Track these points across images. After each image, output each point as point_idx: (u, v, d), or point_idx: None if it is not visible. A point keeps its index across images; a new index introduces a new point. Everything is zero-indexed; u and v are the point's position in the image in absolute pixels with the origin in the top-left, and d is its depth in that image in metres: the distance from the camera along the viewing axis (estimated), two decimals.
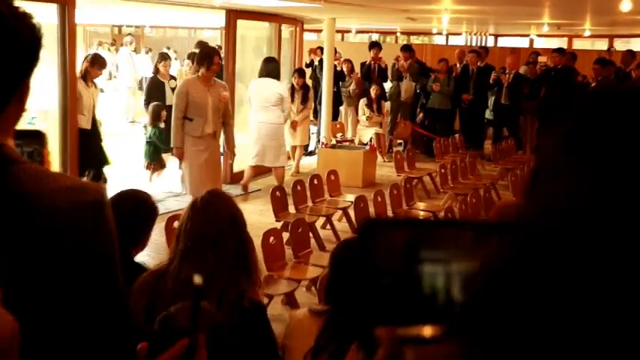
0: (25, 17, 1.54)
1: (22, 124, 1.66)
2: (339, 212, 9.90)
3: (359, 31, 27.74)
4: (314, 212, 9.34)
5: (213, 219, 3.39)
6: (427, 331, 0.83)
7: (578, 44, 25.17)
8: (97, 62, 10.07)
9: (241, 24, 13.16)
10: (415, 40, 28.87)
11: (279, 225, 8.50)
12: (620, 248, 0.58)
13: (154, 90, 12.17)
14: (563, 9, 14.19)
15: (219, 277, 3.25)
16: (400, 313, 0.84)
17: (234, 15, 12.86)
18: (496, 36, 26.88)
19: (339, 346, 3.07)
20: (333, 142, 14.30)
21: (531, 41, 25.19)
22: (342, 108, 17.20)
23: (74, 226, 1.58)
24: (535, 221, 0.65)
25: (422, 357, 0.83)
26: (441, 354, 0.81)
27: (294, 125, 13.17)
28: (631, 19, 14.35)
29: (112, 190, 4.12)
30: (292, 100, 13.01)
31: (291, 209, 9.24)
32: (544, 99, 15.44)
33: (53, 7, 9.04)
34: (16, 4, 1.55)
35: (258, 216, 9.91)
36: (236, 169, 12.34)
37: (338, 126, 16.57)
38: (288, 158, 12.94)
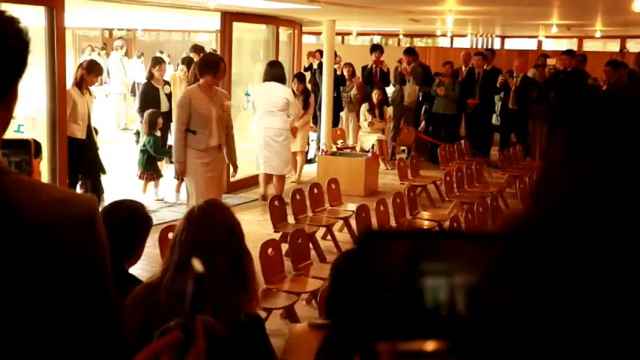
0: (12, 21, 1.54)
1: (9, 133, 1.66)
2: (340, 222, 9.89)
3: (360, 34, 27.76)
4: (314, 222, 9.34)
5: (209, 229, 3.39)
6: (429, 345, 0.83)
7: (589, 45, 25.20)
8: (93, 69, 10.05)
9: (237, 27, 13.17)
10: (418, 42, 28.90)
11: (277, 236, 8.49)
12: (620, 248, 0.59)
13: (148, 96, 12.14)
14: (573, 9, 14.20)
15: (214, 290, 3.25)
16: (401, 327, 0.85)
17: (229, 17, 12.87)
18: (503, 38, 26.89)
19: None
20: (334, 149, 14.31)
21: (540, 43, 25.20)
22: (342, 114, 17.20)
23: (65, 240, 1.58)
24: (538, 222, 0.66)
25: None
26: None
27: (293, 131, 13.17)
28: None
29: (108, 200, 4.14)
30: None
31: (291, 219, 9.24)
32: (553, 103, 15.43)
33: (41, 10, 9.03)
34: (3, 7, 1.55)
35: (256, 226, 9.92)
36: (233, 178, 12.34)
37: (338, 132, 16.57)
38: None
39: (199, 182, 8.72)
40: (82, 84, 9.86)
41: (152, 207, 10.21)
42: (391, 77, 17.24)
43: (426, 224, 9.60)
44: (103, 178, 10.19)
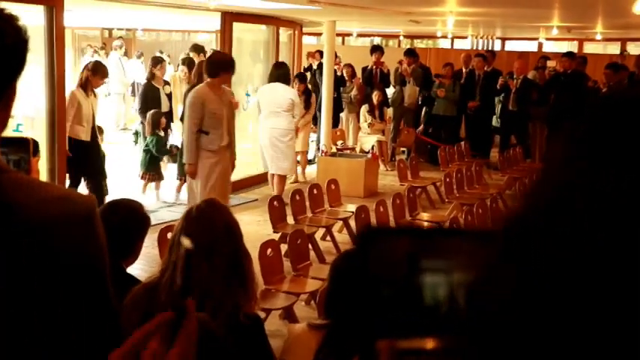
0: (11, 19, 1.54)
1: (8, 132, 1.66)
2: (340, 223, 9.90)
3: (360, 35, 27.75)
4: (313, 223, 9.34)
5: (207, 229, 3.39)
6: (429, 343, 0.83)
7: (589, 48, 25.20)
8: (98, 71, 9.98)
9: (237, 27, 13.18)
10: (419, 43, 28.90)
11: (277, 236, 8.49)
12: (620, 249, 0.59)
13: (149, 97, 12.10)
14: (574, 11, 14.20)
15: (213, 290, 3.25)
16: (401, 324, 0.85)
17: (229, 18, 12.87)
18: (503, 39, 26.89)
19: None
20: (334, 150, 14.31)
21: (540, 45, 25.22)
22: (342, 114, 17.20)
23: (63, 240, 1.58)
24: (535, 221, 0.66)
25: None
26: None
27: (295, 131, 13.20)
28: None
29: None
30: None
31: (290, 220, 9.24)
32: (553, 105, 15.43)
33: (40, 9, 9.03)
34: (2, 5, 1.55)
35: (255, 227, 9.92)
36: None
37: (338, 133, 16.57)
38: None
39: (208, 183, 8.68)
40: (87, 85, 9.80)
41: (151, 207, 10.20)
42: (391, 78, 17.25)
43: (425, 225, 9.60)
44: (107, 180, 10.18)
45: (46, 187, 1.68)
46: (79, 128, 9.60)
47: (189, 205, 8.71)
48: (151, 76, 12.34)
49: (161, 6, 12.49)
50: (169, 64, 19.72)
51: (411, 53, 17.00)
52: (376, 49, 17.54)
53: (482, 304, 0.68)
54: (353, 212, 9.27)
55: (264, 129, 11.68)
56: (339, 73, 16.67)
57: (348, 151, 14.87)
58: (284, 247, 7.63)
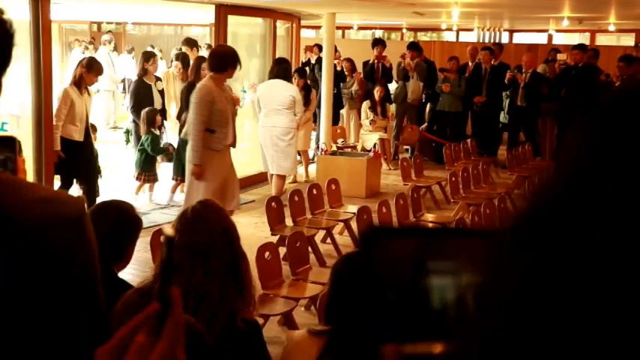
0: None
1: None
2: (341, 225, 9.90)
3: (361, 28, 27.79)
4: (313, 225, 9.34)
5: (203, 231, 3.40)
6: (436, 348, 0.83)
7: (602, 40, 25.22)
8: (93, 67, 9.91)
9: (232, 20, 13.19)
10: (423, 36, 28.94)
11: (275, 239, 8.50)
12: (620, 249, 0.59)
13: (141, 94, 12.04)
14: (585, 1, 14.23)
15: (210, 293, 3.25)
16: (407, 328, 0.85)
17: (224, 10, 12.88)
18: (511, 32, 26.93)
19: None
20: (334, 148, 14.31)
21: (550, 37, 25.25)
22: (342, 111, 17.20)
23: (51, 244, 1.58)
24: (537, 221, 0.67)
25: None
26: None
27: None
28: None
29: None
30: None
31: (289, 222, 9.24)
32: (564, 100, 15.44)
33: (25, 2, 9.03)
34: None
35: (252, 229, 9.93)
36: None
37: (339, 131, 16.57)
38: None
39: (213, 185, 8.62)
40: (80, 83, 9.76)
41: (143, 209, 10.21)
42: (394, 73, 17.25)
43: (430, 226, 9.59)
44: (99, 181, 10.16)
45: (33, 189, 1.68)
46: (72, 128, 9.56)
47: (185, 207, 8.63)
48: (143, 72, 12.25)
49: None
50: (161, 59, 19.72)
51: (414, 47, 17.01)
52: (378, 43, 17.54)
53: (490, 306, 0.69)
54: (354, 213, 9.29)
55: (265, 127, 11.70)
56: (338, 68, 16.66)
57: (349, 150, 14.87)
58: (282, 250, 7.64)
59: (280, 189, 11.66)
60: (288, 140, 11.66)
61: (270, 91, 11.65)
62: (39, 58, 9.22)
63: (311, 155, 15.04)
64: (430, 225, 9.68)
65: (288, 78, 11.75)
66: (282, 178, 11.88)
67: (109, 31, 25.07)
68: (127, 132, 13.57)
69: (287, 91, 11.55)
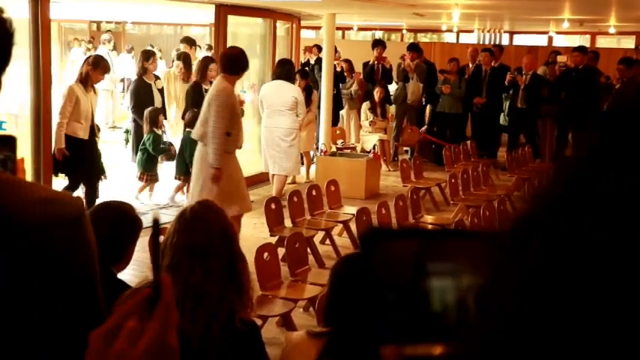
0: None
1: None
2: (340, 226, 9.90)
3: (361, 29, 27.80)
4: (312, 226, 9.34)
5: (201, 231, 3.40)
6: (436, 349, 0.83)
7: (602, 42, 25.23)
8: (99, 65, 9.88)
9: (232, 20, 13.18)
10: (423, 38, 28.95)
11: (274, 240, 8.50)
12: (620, 250, 0.60)
13: (141, 93, 12.00)
14: (586, 3, 14.22)
15: (208, 295, 3.25)
16: (406, 330, 0.85)
17: (224, 10, 12.88)
18: (511, 33, 26.94)
19: None
20: (333, 149, 14.30)
21: (550, 39, 25.24)
22: (342, 112, 17.20)
23: (51, 244, 1.57)
24: (537, 224, 0.67)
25: None
26: None
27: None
28: None
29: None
30: None
31: (288, 223, 9.24)
32: (564, 102, 15.45)
33: (25, 0, 9.02)
34: None
35: (251, 230, 9.92)
36: None
37: (338, 132, 16.56)
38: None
39: (228, 186, 8.54)
40: (86, 81, 9.73)
41: (143, 209, 10.19)
42: (394, 74, 17.25)
43: (429, 228, 9.59)
44: (100, 182, 10.12)
45: (33, 189, 1.68)
46: (77, 125, 9.53)
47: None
48: (143, 71, 12.21)
49: None
50: (160, 59, 19.72)
51: (414, 48, 17.00)
52: (378, 44, 17.53)
53: (490, 308, 0.69)
54: (353, 215, 9.27)
55: (267, 128, 11.78)
56: (338, 69, 16.65)
57: (349, 151, 14.86)
58: (281, 251, 7.64)
59: (280, 189, 11.68)
60: (290, 141, 11.69)
61: (273, 92, 11.70)
62: (38, 57, 9.20)
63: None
64: (429, 227, 9.68)
65: (290, 79, 11.78)
66: (283, 178, 11.90)
67: (108, 31, 25.04)
68: (127, 132, 13.53)
69: (289, 92, 11.58)
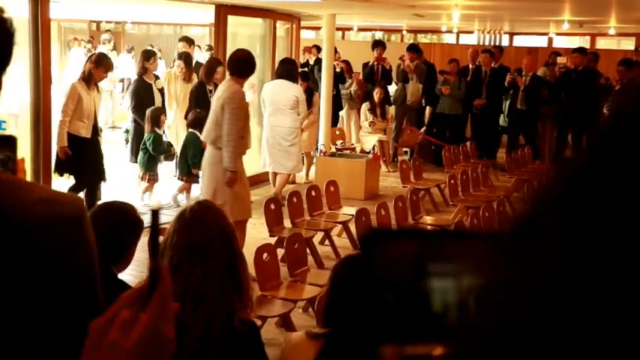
0: None
1: None
2: (339, 227, 9.90)
3: (361, 29, 27.79)
4: (311, 226, 9.34)
5: (201, 231, 3.40)
6: (436, 350, 0.84)
7: (602, 43, 25.22)
8: (101, 63, 9.82)
9: (232, 20, 13.18)
10: (423, 38, 28.94)
11: (273, 240, 8.50)
12: (620, 250, 0.60)
13: (141, 94, 11.96)
14: (586, 4, 14.21)
15: (207, 296, 3.25)
16: (406, 330, 0.86)
17: (224, 10, 12.87)
18: (511, 34, 26.93)
19: None
20: (333, 149, 14.30)
21: (550, 40, 25.24)
22: (341, 113, 17.20)
23: (51, 244, 1.57)
24: (537, 224, 0.68)
25: None
26: None
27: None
28: None
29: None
30: None
31: (287, 223, 9.23)
32: (564, 104, 15.45)
33: (25, 0, 9.01)
34: None
35: (250, 230, 9.88)
36: None
37: (338, 132, 16.56)
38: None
39: (241, 189, 8.53)
40: (89, 79, 9.67)
41: (143, 209, 10.17)
42: (393, 75, 17.24)
43: (429, 229, 9.58)
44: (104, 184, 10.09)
45: (33, 189, 1.67)
46: (80, 124, 9.47)
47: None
48: (143, 71, 12.13)
49: None
50: (160, 58, 19.72)
51: (413, 49, 17.00)
52: (378, 45, 17.53)
53: (489, 308, 0.70)
54: (353, 215, 9.26)
55: (268, 126, 11.84)
56: (337, 70, 16.65)
57: (348, 152, 14.86)
58: (281, 252, 7.63)
59: (282, 187, 11.73)
60: (292, 140, 11.72)
61: (275, 91, 11.75)
62: (38, 57, 9.19)
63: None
64: (429, 227, 9.67)
65: (292, 78, 11.80)
66: (285, 176, 11.95)
67: (108, 30, 25.04)
68: (127, 132, 13.52)
69: (290, 91, 11.62)
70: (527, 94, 15.66)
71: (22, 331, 1.53)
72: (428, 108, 17.10)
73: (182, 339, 2.80)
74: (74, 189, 9.41)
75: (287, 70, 11.75)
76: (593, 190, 0.64)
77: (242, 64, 8.60)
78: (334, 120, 16.43)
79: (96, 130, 9.85)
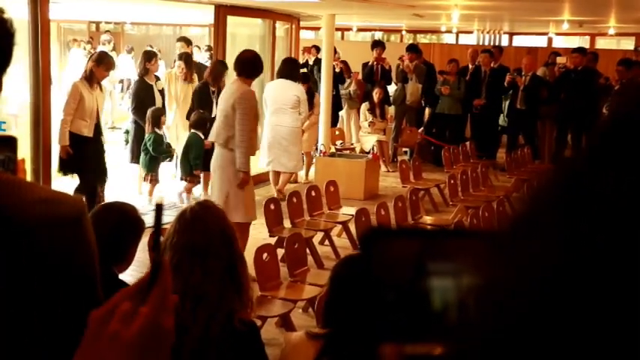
0: None
1: None
2: (339, 227, 9.89)
3: (360, 29, 27.80)
4: (311, 227, 9.34)
5: (201, 231, 3.40)
6: (436, 349, 0.84)
7: (601, 43, 25.22)
8: (103, 62, 9.82)
9: (232, 21, 13.17)
10: (422, 38, 28.94)
11: (273, 240, 8.50)
12: (619, 250, 0.60)
13: (142, 95, 11.94)
14: (586, 4, 14.22)
15: (207, 296, 3.26)
16: (406, 330, 0.86)
17: (223, 11, 12.87)
18: (511, 34, 26.93)
19: None
20: (333, 150, 14.30)
21: (550, 40, 25.25)
22: (341, 113, 17.20)
23: (51, 244, 1.58)
24: (535, 223, 0.68)
25: None
26: None
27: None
28: None
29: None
30: None
31: (287, 223, 9.23)
32: (563, 104, 15.45)
33: (24, 1, 9.01)
34: None
35: (250, 230, 9.89)
36: None
37: (337, 132, 16.56)
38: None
39: (251, 190, 8.58)
40: (91, 78, 9.66)
41: (144, 209, 10.17)
42: (393, 75, 17.24)
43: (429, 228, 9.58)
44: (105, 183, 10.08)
45: (33, 189, 1.67)
46: (82, 123, 9.45)
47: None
48: (144, 72, 12.09)
49: None
50: (160, 59, 19.71)
51: (413, 49, 16.99)
52: (377, 45, 17.53)
53: (489, 307, 0.70)
54: (353, 215, 9.26)
55: (270, 125, 11.87)
56: (337, 70, 16.64)
57: (348, 152, 14.86)
58: (280, 252, 7.63)
59: (284, 185, 11.77)
60: (292, 139, 11.74)
61: (276, 90, 11.79)
62: (37, 58, 9.18)
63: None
64: (429, 227, 9.67)
65: (293, 78, 11.82)
66: (288, 175, 11.99)
67: (107, 31, 25.03)
68: (127, 132, 13.51)
69: (291, 90, 11.65)
70: (527, 94, 15.65)
71: (22, 331, 1.53)
72: (427, 108, 17.09)
73: (182, 339, 2.82)
74: (79, 189, 9.41)
75: (288, 69, 11.79)
76: (593, 190, 0.64)
77: (250, 65, 8.61)
78: (334, 120, 16.43)
79: (99, 129, 9.83)
